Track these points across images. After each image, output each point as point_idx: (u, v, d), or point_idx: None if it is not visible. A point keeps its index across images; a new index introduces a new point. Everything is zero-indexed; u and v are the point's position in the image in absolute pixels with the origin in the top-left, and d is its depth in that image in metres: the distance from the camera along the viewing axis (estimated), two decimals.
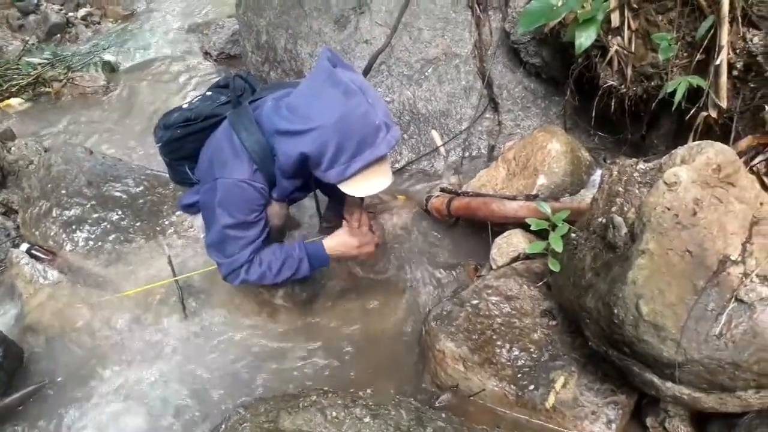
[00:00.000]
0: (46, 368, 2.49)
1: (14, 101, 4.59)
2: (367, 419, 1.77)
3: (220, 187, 2.01)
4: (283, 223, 2.34)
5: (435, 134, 3.37)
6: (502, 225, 2.62)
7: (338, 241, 2.26)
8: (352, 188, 1.90)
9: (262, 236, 2.16)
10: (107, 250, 2.90)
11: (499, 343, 2.18)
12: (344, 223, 2.31)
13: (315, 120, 1.79)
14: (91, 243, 2.92)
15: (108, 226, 2.96)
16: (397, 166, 3.37)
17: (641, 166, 1.83)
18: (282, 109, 1.90)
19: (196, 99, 2.27)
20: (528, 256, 2.44)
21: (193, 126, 2.15)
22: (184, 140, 2.17)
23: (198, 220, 2.82)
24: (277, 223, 2.27)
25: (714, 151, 1.66)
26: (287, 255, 2.18)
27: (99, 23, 6.18)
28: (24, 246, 2.86)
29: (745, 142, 2.22)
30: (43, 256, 2.84)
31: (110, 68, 5.03)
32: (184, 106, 2.24)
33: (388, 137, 1.83)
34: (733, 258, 1.58)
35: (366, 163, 1.83)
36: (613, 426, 1.99)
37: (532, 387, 2.08)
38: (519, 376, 2.11)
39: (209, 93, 2.27)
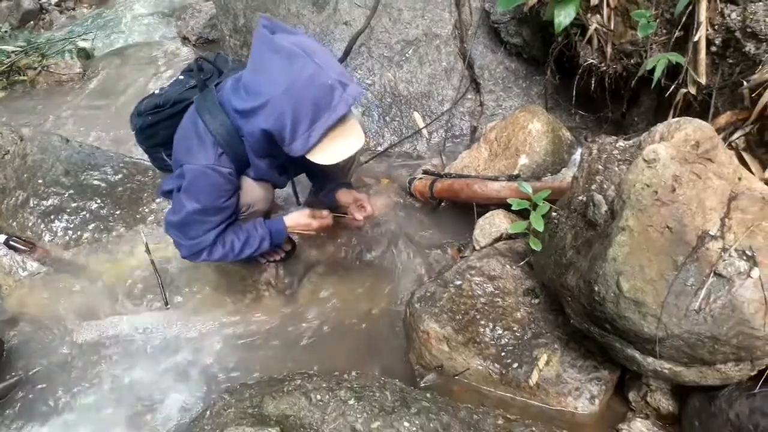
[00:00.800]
0: (27, 360, 2.47)
1: None
2: (351, 401, 1.77)
3: (186, 173, 1.98)
4: (268, 208, 2.32)
5: (417, 116, 3.36)
6: (484, 206, 2.62)
7: (296, 218, 2.35)
8: (321, 157, 1.82)
9: (228, 221, 2.15)
10: (87, 239, 2.86)
11: (482, 322, 2.19)
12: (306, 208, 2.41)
13: (264, 94, 1.72)
14: (70, 233, 2.87)
15: (87, 215, 2.91)
16: (380, 149, 3.35)
17: (620, 143, 1.83)
18: (240, 90, 1.84)
19: (168, 84, 2.23)
20: (510, 236, 2.45)
21: (162, 112, 2.11)
22: (156, 127, 2.14)
23: None
24: (262, 206, 2.25)
25: (692, 128, 1.67)
26: (249, 234, 2.22)
27: (73, 9, 6.05)
28: (1, 237, 2.80)
29: (724, 118, 2.23)
30: (21, 247, 2.79)
31: (86, 55, 4.93)
32: (156, 91, 2.20)
33: (345, 96, 1.73)
34: (712, 233, 1.59)
35: (327, 128, 1.75)
36: (596, 401, 2.01)
37: (515, 365, 2.09)
38: (503, 354, 2.12)
39: (181, 77, 2.23)
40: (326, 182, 2.55)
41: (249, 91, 1.78)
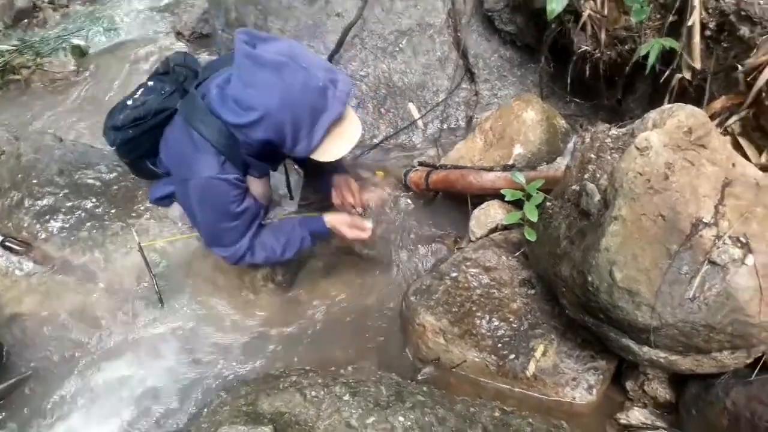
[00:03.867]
0: (27, 360, 2.46)
1: None
2: (346, 397, 1.77)
3: (193, 189, 1.96)
4: (268, 202, 2.31)
5: (412, 107, 3.33)
6: (480, 196, 2.60)
7: (338, 220, 2.30)
8: (324, 155, 1.85)
9: (256, 220, 2.14)
10: (83, 238, 2.84)
11: (478, 314, 2.18)
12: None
13: (258, 109, 1.72)
14: (66, 232, 2.86)
15: (82, 214, 2.89)
16: (376, 141, 3.32)
17: (613, 132, 1.82)
18: (228, 101, 1.80)
19: (140, 92, 2.15)
20: (506, 227, 2.43)
21: (144, 124, 2.05)
22: (139, 139, 2.08)
23: (172, 211, 2.76)
24: (263, 203, 2.23)
25: (685, 114, 1.65)
26: (288, 236, 2.23)
27: (67, 6, 5.97)
28: None
29: (719, 103, 2.21)
30: (17, 247, 2.78)
31: (80, 52, 4.88)
32: (129, 102, 2.12)
33: (337, 93, 1.75)
34: (705, 220, 1.57)
35: (327, 129, 1.77)
36: (594, 391, 2.01)
37: (512, 356, 2.09)
38: (499, 346, 2.12)
39: (151, 83, 2.15)
40: (322, 172, 2.53)
41: (241, 105, 1.76)
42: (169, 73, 2.17)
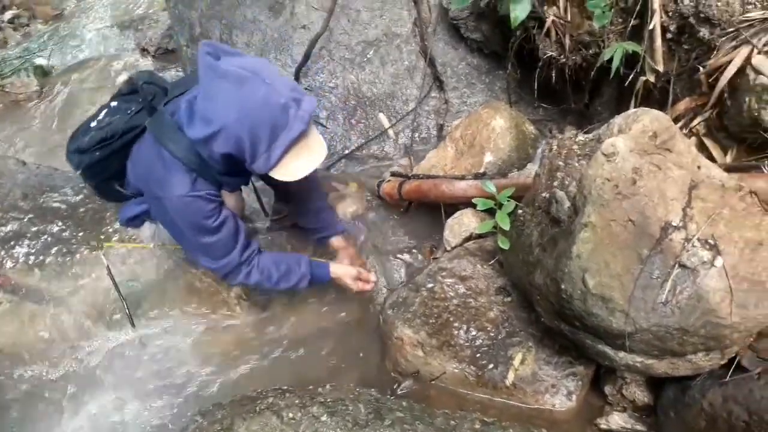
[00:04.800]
0: (3, 391, 2.40)
1: None
2: (324, 417, 1.73)
3: (168, 207, 1.93)
4: (240, 209, 2.28)
5: (382, 117, 3.32)
6: (453, 205, 2.60)
7: (344, 272, 2.36)
8: (284, 174, 1.79)
9: (240, 232, 2.11)
10: (50, 263, 2.77)
11: (456, 324, 2.17)
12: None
13: (216, 122, 1.68)
14: (32, 258, 2.78)
15: (49, 239, 2.82)
16: (347, 151, 3.31)
17: (580, 138, 1.82)
18: (194, 116, 1.78)
19: (103, 113, 2.10)
20: (479, 235, 2.43)
21: (111, 145, 2.01)
22: (106, 161, 2.04)
23: (144, 232, 2.70)
24: (236, 212, 2.19)
25: (649, 119, 1.66)
26: (289, 268, 2.23)
27: (28, 25, 5.87)
28: None
29: (683, 104, 2.24)
30: None
31: (42, 72, 4.79)
32: (93, 124, 2.08)
33: (300, 113, 1.69)
34: (674, 224, 1.58)
35: (286, 147, 1.71)
36: (573, 397, 2.01)
37: (491, 366, 2.08)
38: (478, 356, 2.11)
39: (114, 104, 2.11)
40: (317, 220, 2.54)
41: (203, 119, 1.73)
42: (132, 93, 2.12)
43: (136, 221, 2.30)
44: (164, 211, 1.96)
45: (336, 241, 2.55)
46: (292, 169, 1.79)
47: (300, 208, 2.53)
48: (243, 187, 2.34)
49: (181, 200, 1.91)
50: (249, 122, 1.66)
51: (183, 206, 1.92)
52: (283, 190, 2.49)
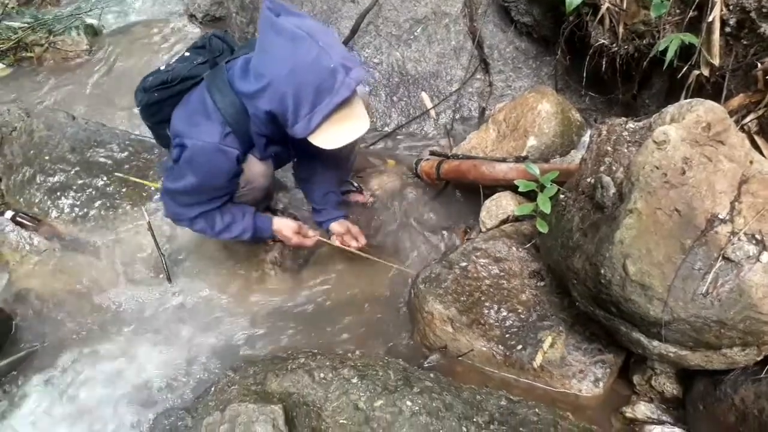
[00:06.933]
0: (36, 334, 2.49)
1: None
2: (354, 380, 1.77)
3: (188, 148, 1.95)
4: (268, 183, 2.31)
5: (425, 96, 3.32)
6: (492, 187, 2.60)
7: (285, 224, 2.37)
8: (323, 140, 1.80)
9: (219, 202, 2.15)
10: (93, 216, 2.86)
11: (487, 304, 2.19)
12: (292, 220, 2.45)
13: (266, 76, 1.71)
14: (76, 210, 2.88)
15: (93, 192, 2.91)
16: (387, 129, 3.32)
17: (630, 125, 1.81)
18: (248, 71, 1.81)
19: (174, 60, 2.18)
20: (517, 218, 2.43)
21: (170, 88, 2.05)
22: (162, 104, 2.09)
23: None
24: (262, 182, 2.23)
25: (704, 109, 1.64)
26: (233, 220, 2.23)
27: None
28: (9, 213, 2.81)
29: (737, 100, 2.19)
30: (28, 223, 2.81)
31: (93, 32, 4.89)
32: (162, 68, 2.15)
33: (347, 80, 1.69)
34: (721, 217, 1.57)
35: (328, 112, 1.72)
36: (601, 384, 2.01)
37: (519, 347, 2.09)
38: (507, 336, 2.12)
39: (187, 54, 2.17)
40: (322, 199, 2.54)
41: (255, 72, 1.77)
42: (204, 47, 2.17)
43: None
44: (182, 151, 1.98)
45: (336, 226, 2.52)
46: (332, 135, 1.80)
47: (314, 183, 2.52)
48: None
49: (204, 146, 1.94)
50: (296, 81, 1.67)
51: (204, 153, 1.95)
52: (309, 164, 2.47)
